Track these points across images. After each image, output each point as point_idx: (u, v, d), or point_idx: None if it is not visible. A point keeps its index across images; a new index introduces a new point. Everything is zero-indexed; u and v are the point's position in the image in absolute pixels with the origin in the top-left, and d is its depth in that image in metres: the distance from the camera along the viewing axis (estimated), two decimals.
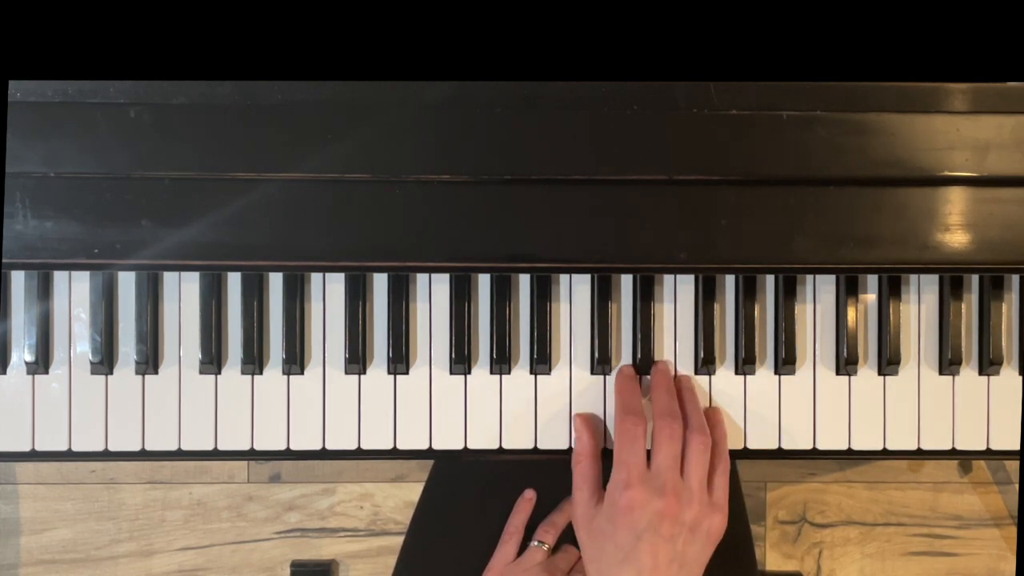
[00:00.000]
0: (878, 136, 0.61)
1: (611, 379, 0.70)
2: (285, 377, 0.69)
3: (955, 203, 0.62)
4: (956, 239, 0.62)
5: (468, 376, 0.69)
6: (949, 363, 0.69)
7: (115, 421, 0.69)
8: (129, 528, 1.37)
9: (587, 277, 0.69)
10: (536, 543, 0.74)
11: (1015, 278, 0.70)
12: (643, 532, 0.61)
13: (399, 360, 0.69)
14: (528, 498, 0.76)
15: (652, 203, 0.61)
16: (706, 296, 0.69)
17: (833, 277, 0.70)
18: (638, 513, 0.61)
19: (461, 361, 0.69)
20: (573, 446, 0.68)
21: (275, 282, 0.69)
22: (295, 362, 0.68)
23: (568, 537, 0.76)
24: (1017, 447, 0.70)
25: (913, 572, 1.38)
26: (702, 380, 0.70)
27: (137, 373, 0.69)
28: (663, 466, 0.63)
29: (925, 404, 0.70)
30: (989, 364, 0.69)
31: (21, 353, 0.68)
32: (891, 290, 0.69)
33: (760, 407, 0.69)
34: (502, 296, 0.69)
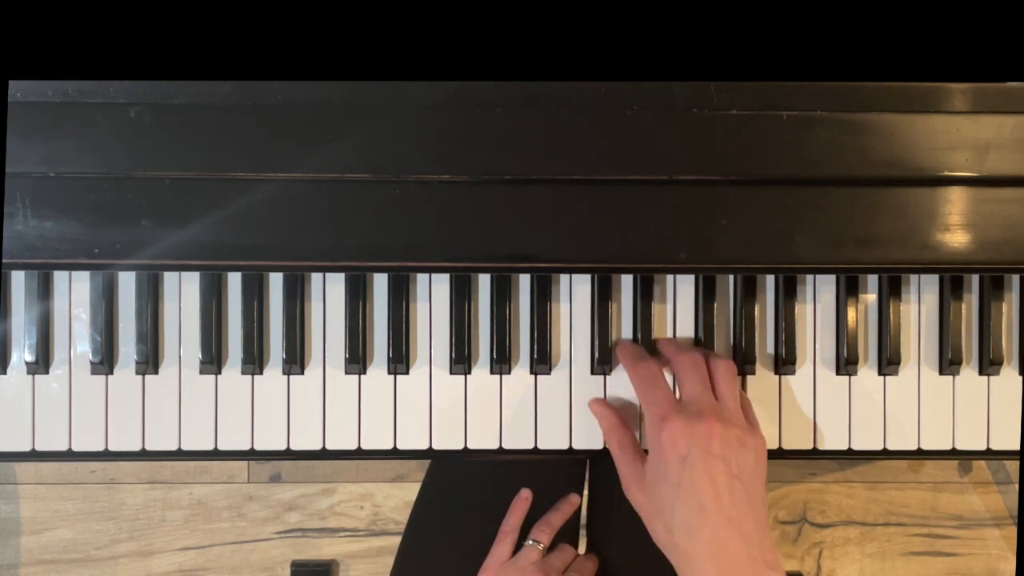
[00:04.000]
0: (878, 136, 0.61)
1: (611, 379, 0.70)
2: (285, 377, 0.69)
3: (955, 203, 0.62)
4: (956, 239, 0.62)
5: (468, 376, 0.69)
6: (949, 363, 0.69)
7: (115, 421, 0.69)
8: (129, 528, 1.37)
9: (587, 277, 0.69)
10: (531, 542, 0.74)
11: (1015, 278, 0.70)
12: (694, 460, 0.58)
13: (399, 360, 0.69)
14: (524, 498, 0.76)
15: (652, 203, 0.61)
16: (706, 296, 0.69)
17: (833, 277, 0.70)
18: (682, 441, 0.58)
19: (461, 361, 0.69)
20: (601, 428, 0.67)
21: (275, 282, 0.69)
22: (295, 362, 0.68)
23: (564, 537, 0.76)
24: (1017, 447, 0.70)
25: (913, 572, 1.38)
26: None
27: (137, 373, 0.69)
28: (694, 392, 0.62)
29: (925, 404, 0.70)
30: (989, 364, 0.69)
31: (21, 353, 0.68)
32: (891, 290, 0.69)
33: (760, 407, 0.69)
34: (502, 296, 0.69)
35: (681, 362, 0.64)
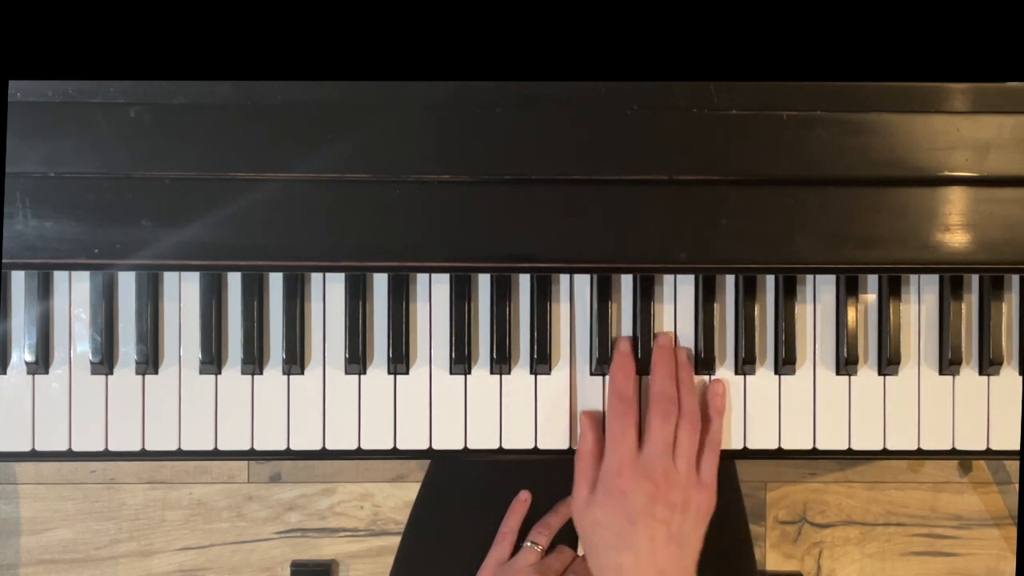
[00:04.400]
0: (878, 136, 0.61)
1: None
2: (285, 377, 0.69)
3: (955, 203, 0.62)
4: (956, 239, 0.62)
5: (468, 376, 0.69)
6: (949, 363, 0.69)
7: (115, 421, 0.69)
8: (129, 528, 1.37)
9: (587, 277, 0.69)
10: (529, 544, 0.74)
11: (1015, 278, 0.70)
12: (638, 516, 0.63)
13: (399, 360, 0.69)
14: (523, 499, 0.76)
15: (652, 203, 0.61)
16: (706, 296, 0.69)
17: (833, 277, 0.70)
18: (631, 498, 0.63)
19: (461, 361, 0.69)
20: (578, 443, 0.69)
21: (275, 282, 0.69)
22: (295, 362, 0.68)
23: (562, 538, 0.76)
24: (1017, 447, 0.70)
25: (913, 572, 1.38)
26: (702, 380, 0.70)
27: (137, 373, 0.69)
28: (654, 452, 0.65)
29: (925, 404, 0.70)
30: (989, 364, 0.69)
31: (21, 353, 0.68)
32: (891, 290, 0.69)
33: (760, 407, 0.69)
34: (502, 296, 0.69)
35: (655, 413, 0.66)
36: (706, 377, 0.70)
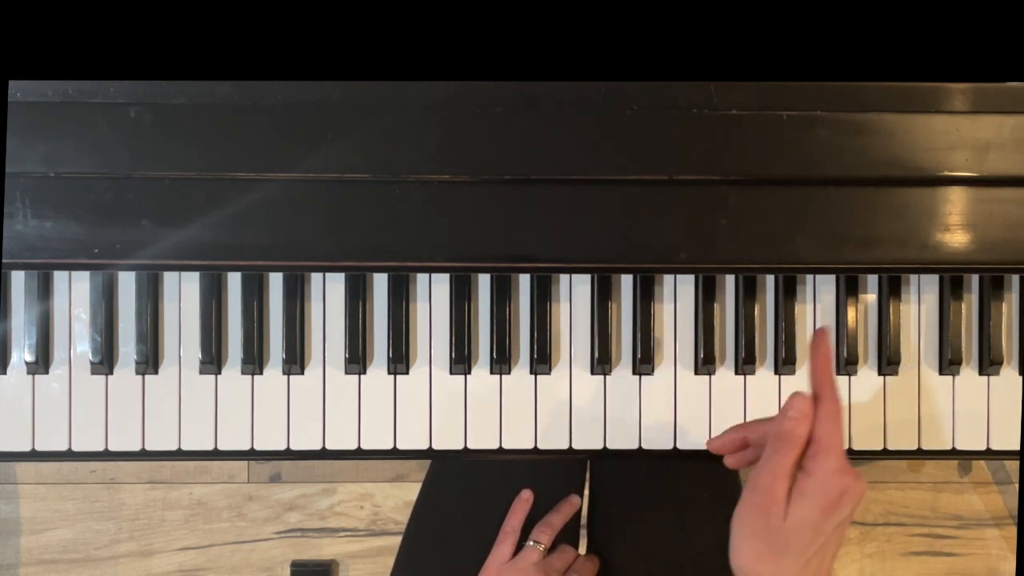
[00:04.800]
0: (878, 136, 0.61)
1: (611, 379, 0.70)
2: (285, 377, 0.69)
3: (955, 203, 0.62)
4: (956, 239, 0.62)
5: (468, 376, 0.69)
6: (949, 363, 0.69)
7: (115, 421, 0.69)
8: (129, 528, 1.37)
9: (587, 277, 0.69)
10: (532, 543, 0.74)
11: (1015, 278, 0.70)
12: (847, 518, 0.56)
13: (399, 360, 0.69)
14: (525, 499, 0.76)
15: (652, 203, 0.61)
16: (706, 296, 0.69)
17: (833, 277, 0.70)
18: (851, 501, 0.56)
19: (461, 361, 0.69)
20: (788, 420, 0.57)
21: (275, 282, 0.69)
22: (295, 362, 0.68)
23: (563, 537, 0.76)
24: (1017, 447, 0.70)
25: (913, 572, 1.38)
26: (702, 380, 0.70)
27: (137, 373, 0.69)
28: (840, 448, 0.57)
29: (925, 404, 0.70)
30: (989, 364, 0.69)
31: (21, 353, 0.68)
32: (891, 290, 0.69)
33: (760, 407, 0.69)
34: (502, 296, 0.69)
35: (830, 411, 0.57)
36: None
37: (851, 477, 0.56)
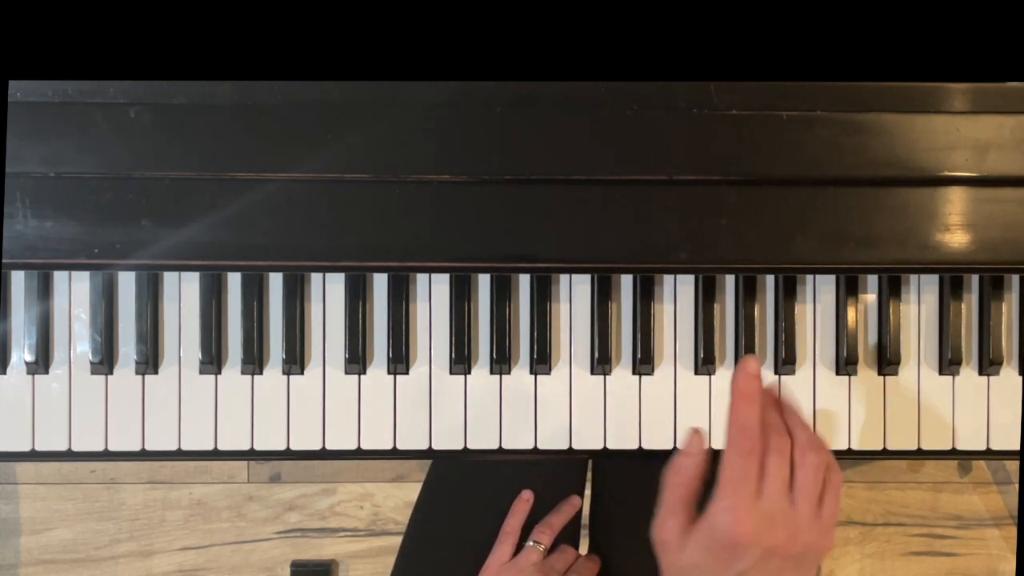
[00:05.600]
0: (878, 136, 0.61)
1: (611, 379, 0.70)
2: (285, 377, 0.69)
3: (955, 203, 0.62)
4: (956, 239, 0.62)
5: (468, 376, 0.69)
6: (949, 363, 0.69)
7: (115, 421, 0.69)
8: (129, 528, 1.37)
9: (587, 277, 0.69)
10: (532, 543, 0.74)
11: (1015, 278, 0.70)
12: (748, 570, 0.53)
13: (399, 360, 0.69)
14: (525, 499, 0.76)
15: (652, 203, 0.61)
16: (706, 296, 0.69)
17: (833, 277, 0.70)
18: (746, 551, 0.52)
19: (461, 361, 0.69)
20: (678, 454, 0.57)
21: (275, 282, 0.69)
22: (295, 362, 0.68)
23: (564, 537, 0.76)
24: (1017, 447, 0.70)
25: (913, 572, 1.38)
26: (702, 380, 0.70)
27: (137, 373, 0.69)
28: (773, 493, 0.54)
29: (925, 404, 0.70)
30: (989, 364, 0.69)
31: (21, 353, 0.68)
32: (891, 290, 0.69)
33: None
34: (502, 296, 0.69)
35: (772, 447, 0.55)
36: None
37: (748, 524, 0.52)
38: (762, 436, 0.55)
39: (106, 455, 0.69)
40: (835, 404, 0.70)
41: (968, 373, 0.70)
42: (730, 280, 0.70)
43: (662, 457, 0.70)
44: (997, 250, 0.62)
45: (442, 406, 0.69)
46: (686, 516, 0.56)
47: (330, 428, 0.69)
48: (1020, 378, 0.70)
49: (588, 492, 0.80)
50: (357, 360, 0.69)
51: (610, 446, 0.70)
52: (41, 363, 0.68)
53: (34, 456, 0.69)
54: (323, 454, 0.69)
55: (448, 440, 0.69)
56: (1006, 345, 0.70)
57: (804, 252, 0.62)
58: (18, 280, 0.68)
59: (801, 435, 0.56)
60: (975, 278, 0.70)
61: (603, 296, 0.69)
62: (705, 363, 0.69)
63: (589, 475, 0.81)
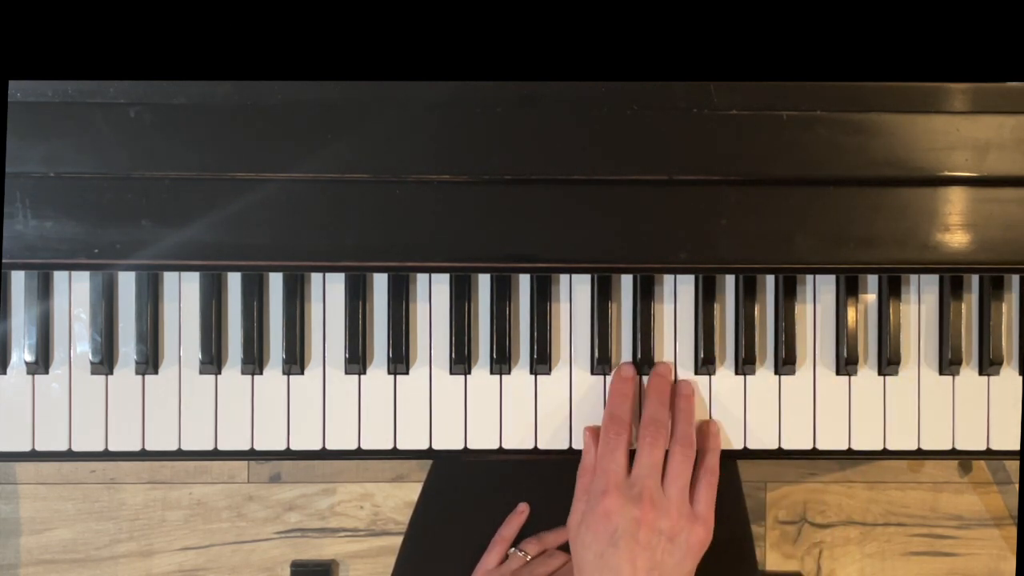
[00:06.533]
0: (878, 136, 0.61)
1: (611, 379, 0.69)
2: (285, 377, 0.69)
3: (955, 203, 0.62)
4: (956, 239, 0.62)
5: (468, 376, 0.69)
6: (949, 363, 0.69)
7: (115, 421, 0.69)
8: (129, 528, 1.37)
9: (587, 277, 0.69)
10: (517, 551, 0.74)
11: (1015, 278, 0.70)
12: (619, 539, 0.62)
13: (399, 360, 0.69)
14: (520, 511, 0.76)
15: (652, 203, 0.61)
16: (706, 296, 0.69)
17: (833, 277, 0.70)
18: (614, 519, 0.62)
19: (461, 361, 0.69)
20: (581, 457, 0.68)
21: (275, 282, 0.69)
22: (295, 362, 0.68)
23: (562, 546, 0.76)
24: (1017, 447, 0.70)
25: (913, 572, 1.38)
26: (702, 380, 0.70)
27: (137, 373, 0.69)
28: (641, 474, 0.64)
29: (925, 404, 0.70)
30: (989, 364, 0.69)
31: (21, 353, 0.68)
32: (891, 290, 0.69)
33: (760, 407, 0.69)
34: (502, 296, 0.69)
35: (643, 436, 0.65)
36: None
37: (614, 495, 0.62)
38: (644, 427, 0.65)
39: (106, 455, 0.69)
40: (835, 404, 0.70)
41: (968, 373, 0.70)
42: (730, 280, 0.70)
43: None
44: (997, 250, 0.62)
45: (442, 406, 0.69)
46: (586, 503, 0.65)
47: (330, 428, 0.69)
48: (1020, 378, 0.70)
49: None
50: (357, 360, 0.69)
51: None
52: (41, 363, 0.68)
53: (34, 456, 0.69)
54: (323, 454, 0.69)
55: (448, 440, 0.69)
56: (1006, 345, 0.70)
57: (804, 252, 0.62)
58: (18, 280, 0.68)
59: (678, 429, 0.66)
60: (975, 278, 0.70)
61: (603, 296, 0.69)
62: (705, 363, 0.69)
63: None
